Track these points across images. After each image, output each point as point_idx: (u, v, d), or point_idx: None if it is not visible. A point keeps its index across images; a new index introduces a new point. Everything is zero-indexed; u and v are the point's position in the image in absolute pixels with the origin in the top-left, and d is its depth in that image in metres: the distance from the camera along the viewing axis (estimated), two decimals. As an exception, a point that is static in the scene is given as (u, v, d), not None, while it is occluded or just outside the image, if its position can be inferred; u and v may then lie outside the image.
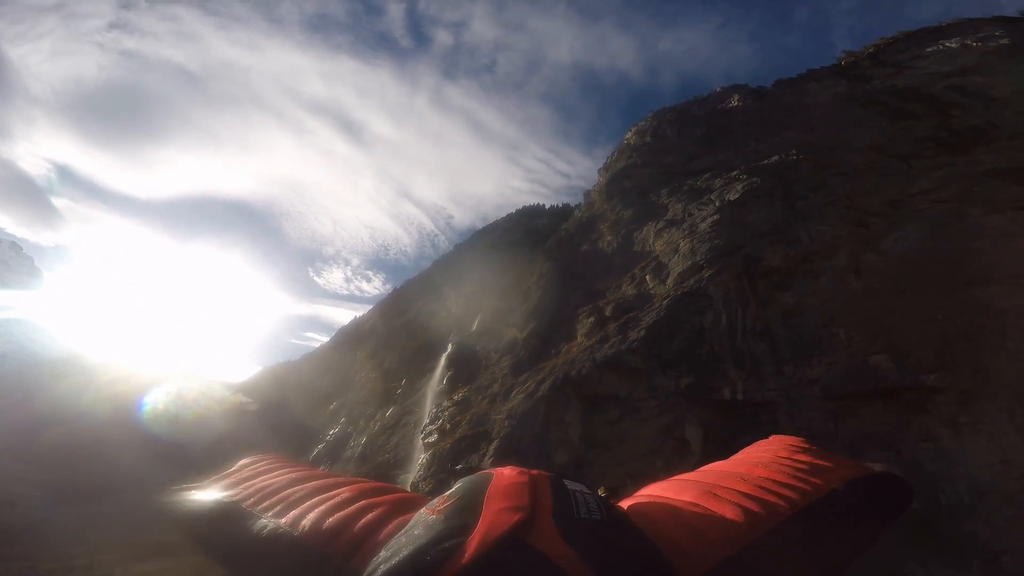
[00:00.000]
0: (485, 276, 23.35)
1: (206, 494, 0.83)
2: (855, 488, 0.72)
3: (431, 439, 9.94)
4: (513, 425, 7.66)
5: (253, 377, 53.74)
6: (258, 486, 0.84)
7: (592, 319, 9.58)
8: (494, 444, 7.51)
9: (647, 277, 9.78)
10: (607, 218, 13.36)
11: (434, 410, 11.38)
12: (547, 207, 39.31)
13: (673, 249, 9.94)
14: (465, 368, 11.89)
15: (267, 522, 0.74)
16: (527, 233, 32.49)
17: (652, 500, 0.77)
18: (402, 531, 0.61)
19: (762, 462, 0.81)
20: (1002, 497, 5.79)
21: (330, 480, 0.86)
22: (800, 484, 0.72)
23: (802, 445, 0.84)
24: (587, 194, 19.05)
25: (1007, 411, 6.08)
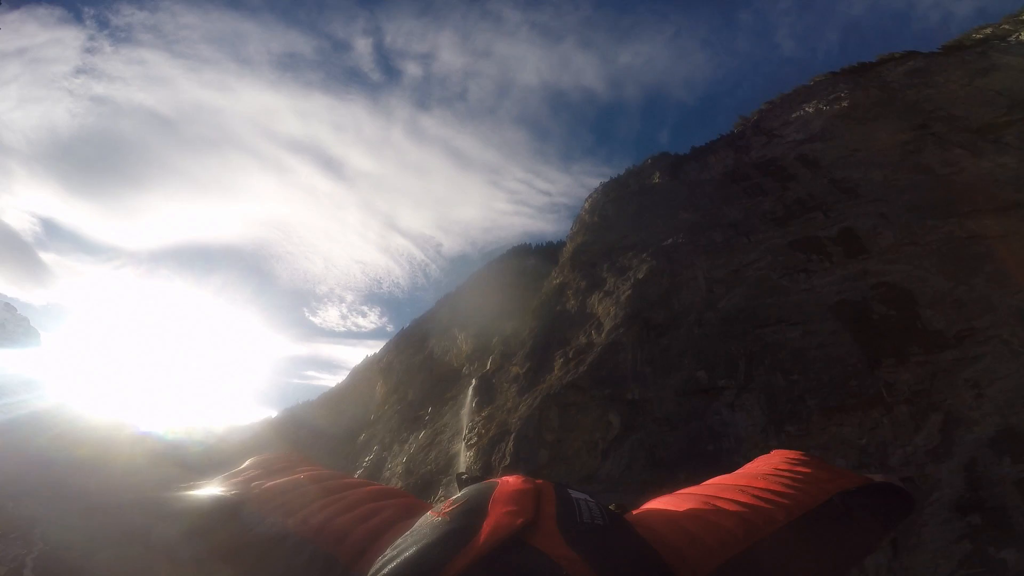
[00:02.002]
0: (489, 319, 29.55)
1: (211, 491, 0.83)
2: (852, 498, 0.77)
3: (472, 441, 16.15)
4: (522, 425, 13.84)
5: (275, 418, 59.44)
6: (266, 486, 0.85)
7: (562, 360, 15.88)
8: (512, 436, 13.73)
9: (592, 332, 16.13)
10: (571, 286, 19.69)
11: (470, 424, 17.57)
12: (533, 247, 47.04)
13: (607, 313, 16.30)
14: (487, 395, 18.11)
15: (274, 521, 0.76)
16: (519, 275, 39.33)
17: (651, 511, 0.82)
18: (408, 532, 0.66)
19: (761, 474, 0.87)
20: (752, 444, 11.99)
21: (339, 482, 0.89)
22: (797, 494, 0.77)
23: (801, 458, 0.90)
24: (560, 256, 25.20)
25: (757, 398, 12.21)
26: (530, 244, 45.87)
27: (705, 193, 20.95)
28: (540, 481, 0.77)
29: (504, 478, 0.78)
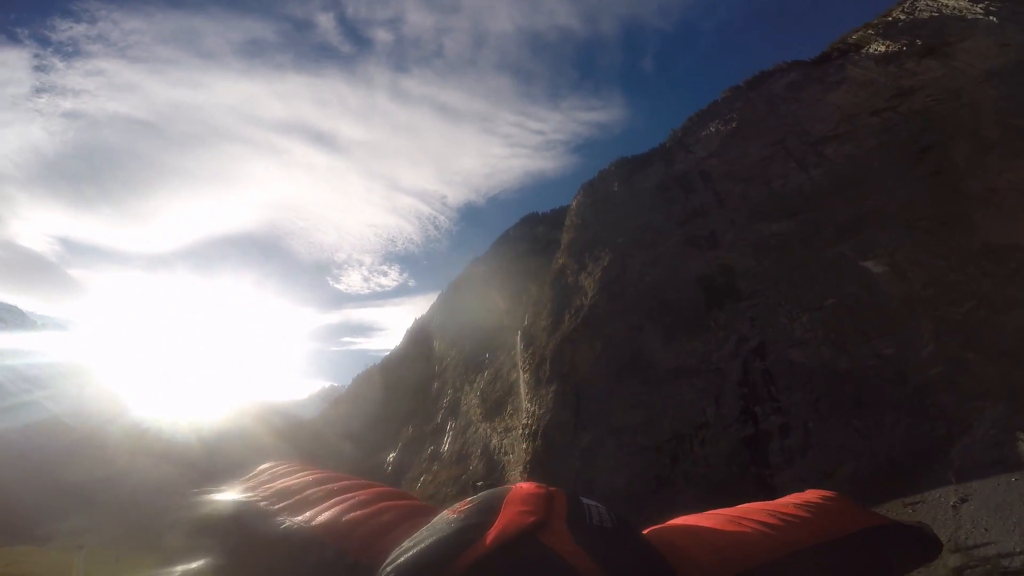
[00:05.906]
0: (516, 281, 41.78)
1: (222, 496, 0.90)
2: (881, 534, 0.81)
3: (526, 367, 30.38)
4: (552, 353, 27.23)
5: (352, 387, 72.80)
6: (276, 488, 0.91)
7: (568, 315, 29.70)
8: (548, 360, 27.67)
9: (583, 298, 29.73)
10: (569, 268, 32.80)
11: (522, 357, 31.90)
12: (541, 214, 56.51)
13: (590, 286, 29.70)
14: (529, 340, 32.06)
15: (283, 519, 0.81)
16: (533, 242, 48.55)
17: (672, 525, 0.87)
18: (425, 527, 0.69)
19: (792, 503, 0.91)
20: (659, 352, 26.01)
21: (347, 483, 0.95)
22: (826, 522, 0.82)
23: (833, 496, 0.94)
24: (560, 243, 38.47)
25: (660, 330, 25.98)
26: (537, 212, 56.22)
27: (644, 202, 33.44)
28: (553, 488, 0.80)
29: (519, 484, 0.81)
